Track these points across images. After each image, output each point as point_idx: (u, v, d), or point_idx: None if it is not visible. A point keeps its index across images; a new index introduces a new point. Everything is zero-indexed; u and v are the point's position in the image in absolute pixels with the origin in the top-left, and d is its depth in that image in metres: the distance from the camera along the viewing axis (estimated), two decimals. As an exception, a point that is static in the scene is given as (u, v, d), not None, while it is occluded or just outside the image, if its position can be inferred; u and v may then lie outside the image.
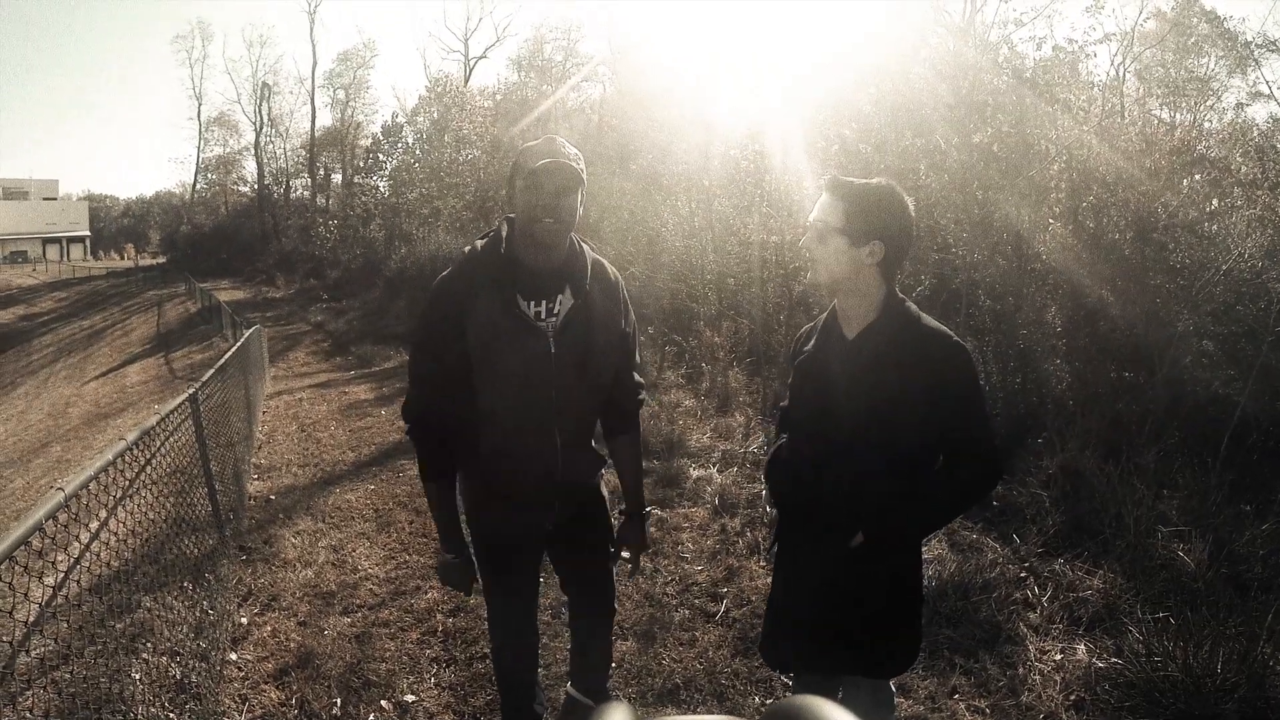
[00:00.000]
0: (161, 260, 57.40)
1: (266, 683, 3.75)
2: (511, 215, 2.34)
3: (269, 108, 50.89)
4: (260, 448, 8.56)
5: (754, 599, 4.32)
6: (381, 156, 31.41)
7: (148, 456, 4.14)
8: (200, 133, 53.51)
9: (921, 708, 3.30)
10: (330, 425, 9.70)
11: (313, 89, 49.50)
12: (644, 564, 4.84)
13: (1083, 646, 3.70)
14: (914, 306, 2.13)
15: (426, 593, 4.59)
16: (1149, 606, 3.93)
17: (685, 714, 1.00)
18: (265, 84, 50.90)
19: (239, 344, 8.83)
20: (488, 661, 3.74)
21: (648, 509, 2.81)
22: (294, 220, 44.64)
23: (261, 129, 50.85)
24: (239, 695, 3.66)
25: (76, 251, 66.67)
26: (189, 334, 25.82)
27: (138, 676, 3.61)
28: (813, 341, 2.30)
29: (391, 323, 20.35)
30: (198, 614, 4.24)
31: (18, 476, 13.45)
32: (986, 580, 4.30)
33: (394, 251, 21.77)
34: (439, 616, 4.29)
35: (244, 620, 4.38)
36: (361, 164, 35.22)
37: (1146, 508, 4.96)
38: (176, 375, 18.44)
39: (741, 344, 10.73)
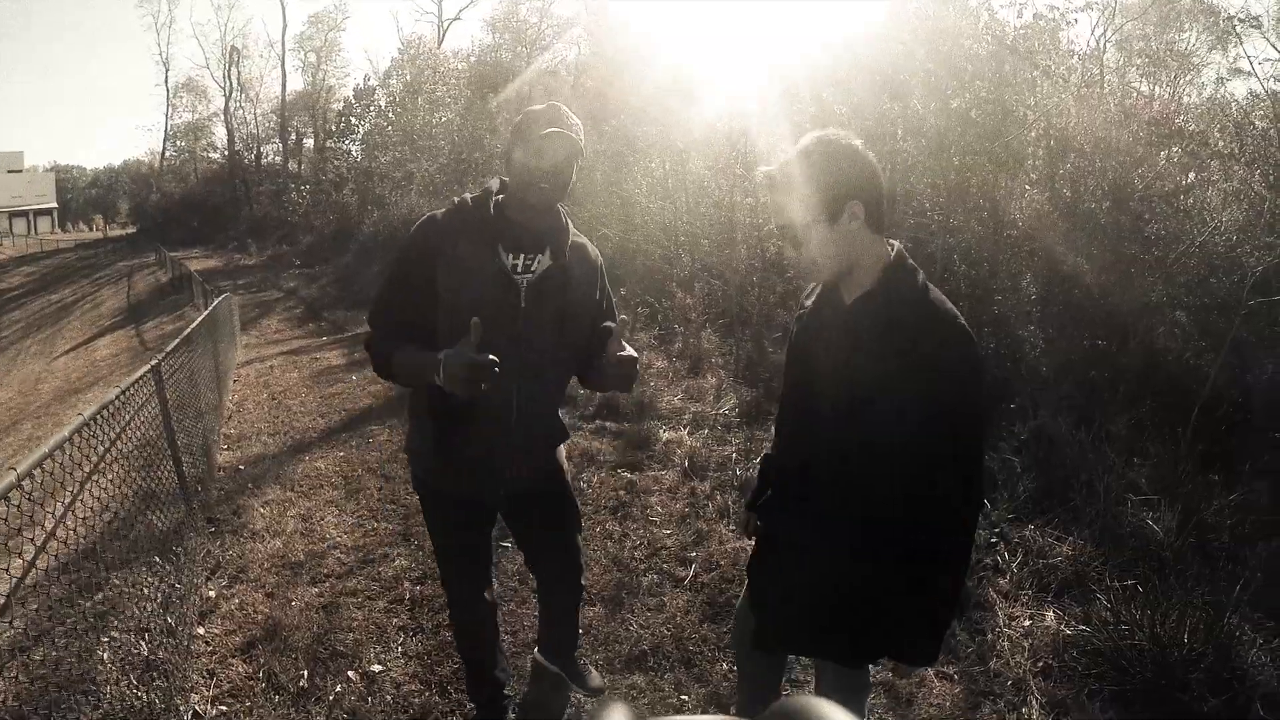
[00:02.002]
0: (131, 230, 56.68)
1: (234, 656, 3.71)
2: (504, 177, 2.34)
3: (238, 72, 50.22)
4: (230, 417, 8.46)
5: (723, 563, 4.31)
6: (354, 120, 30.82)
7: (116, 431, 4.07)
8: (168, 99, 52.74)
9: (889, 674, 3.29)
10: (301, 392, 9.61)
11: (283, 52, 49.92)
12: (612, 528, 4.84)
13: (1051, 614, 3.71)
14: (922, 276, 1.85)
15: (394, 560, 4.56)
16: (1118, 574, 3.94)
17: (685, 714, 0.97)
18: (234, 48, 50.13)
19: (204, 314, 8.68)
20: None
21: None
22: (266, 186, 44.23)
23: (231, 94, 50.17)
24: (206, 670, 3.63)
25: (44, 224, 65.12)
26: (160, 304, 25.45)
27: (106, 656, 3.58)
28: (809, 304, 2.10)
29: (365, 287, 20.07)
30: (165, 589, 4.19)
31: None
32: None
33: (367, 216, 21.54)
34: (406, 584, 4.26)
35: (211, 594, 4.34)
36: (333, 128, 34.71)
37: (1117, 475, 4.99)
38: (148, 347, 18.17)
39: (715, 305, 10.70)
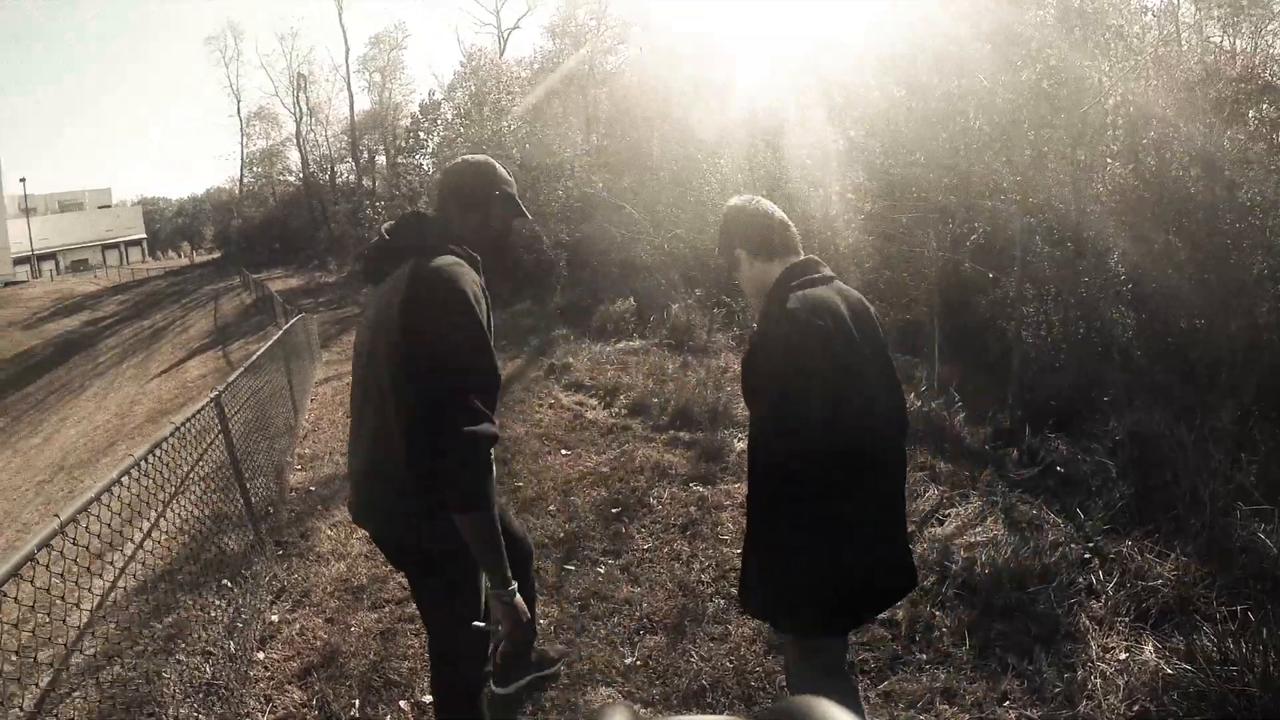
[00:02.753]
0: (216, 255, 58.61)
1: (291, 682, 3.64)
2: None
3: (306, 98, 51.28)
4: (305, 436, 8.52)
5: (795, 590, 4.09)
6: (422, 134, 31.23)
7: (189, 463, 4.21)
8: (242, 128, 54.04)
9: (968, 716, 3.04)
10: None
11: (348, 75, 49.92)
12: (680, 548, 4.66)
13: (1150, 646, 3.33)
14: (797, 291, 2.22)
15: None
16: (1226, 598, 3.54)
17: (686, 714, 0.81)
18: (300, 74, 51.20)
19: (272, 340, 8.74)
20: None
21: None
22: (341, 205, 45.04)
23: (301, 119, 51.23)
24: (264, 695, 3.57)
25: (135, 254, 67.63)
26: (244, 325, 26.16)
27: (171, 678, 3.59)
28: None
29: None
30: (230, 613, 4.18)
31: (86, 476, 13.78)
32: (1046, 566, 3.97)
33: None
34: (467, 612, 4.15)
35: (274, 618, 4.29)
36: (403, 144, 35.17)
37: (1224, 479, 4.57)
38: (234, 367, 18.58)
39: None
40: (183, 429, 4.08)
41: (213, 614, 4.17)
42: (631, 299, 12.61)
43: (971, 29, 9.55)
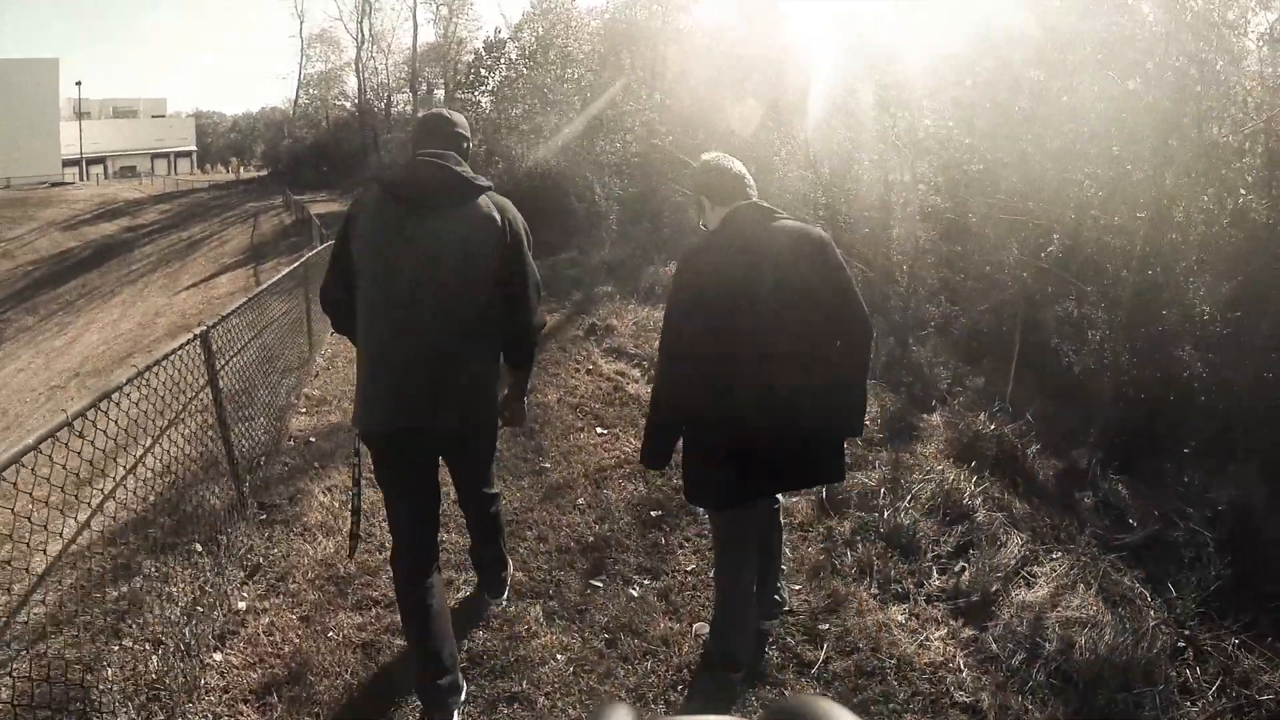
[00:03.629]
0: (263, 173, 58.60)
1: (246, 701, 2.98)
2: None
3: (370, 24, 50.73)
4: (317, 374, 7.88)
5: (862, 645, 3.34)
6: (484, 72, 30.38)
7: (183, 398, 3.90)
8: (302, 49, 53.88)
9: None
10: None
11: (414, 4, 49.37)
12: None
13: None
14: (716, 231, 2.84)
15: (461, 590, 3.73)
16: None
17: (687, 714, 1.09)
18: (367, 1, 50.51)
19: (292, 265, 8.04)
20: (515, 705, 2.99)
21: None
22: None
23: (363, 45, 50.78)
24: (211, 713, 2.89)
25: (184, 166, 68.52)
26: (280, 246, 25.77)
27: (110, 673, 2.99)
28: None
29: None
30: (195, 590, 3.52)
31: (96, 390, 13.33)
32: (1149, 660, 3.26)
33: (492, 167, 21.15)
34: (470, 630, 3.43)
35: (241, 605, 3.62)
36: (464, 79, 34.53)
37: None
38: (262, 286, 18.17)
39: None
40: (167, 360, 3.62)
41: (174, 589, 3.53)
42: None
43: (1074, 26, 8.62)
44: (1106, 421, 7.44)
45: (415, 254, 2.57)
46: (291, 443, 5.76)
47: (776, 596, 3.36)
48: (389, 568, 3.65)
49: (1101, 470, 6.57)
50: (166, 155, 68.11)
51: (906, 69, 10.29)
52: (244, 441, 5.12)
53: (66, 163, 58.88)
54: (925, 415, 6.70)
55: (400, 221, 2.59)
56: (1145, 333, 7.56)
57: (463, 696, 2.90)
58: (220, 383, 4.38)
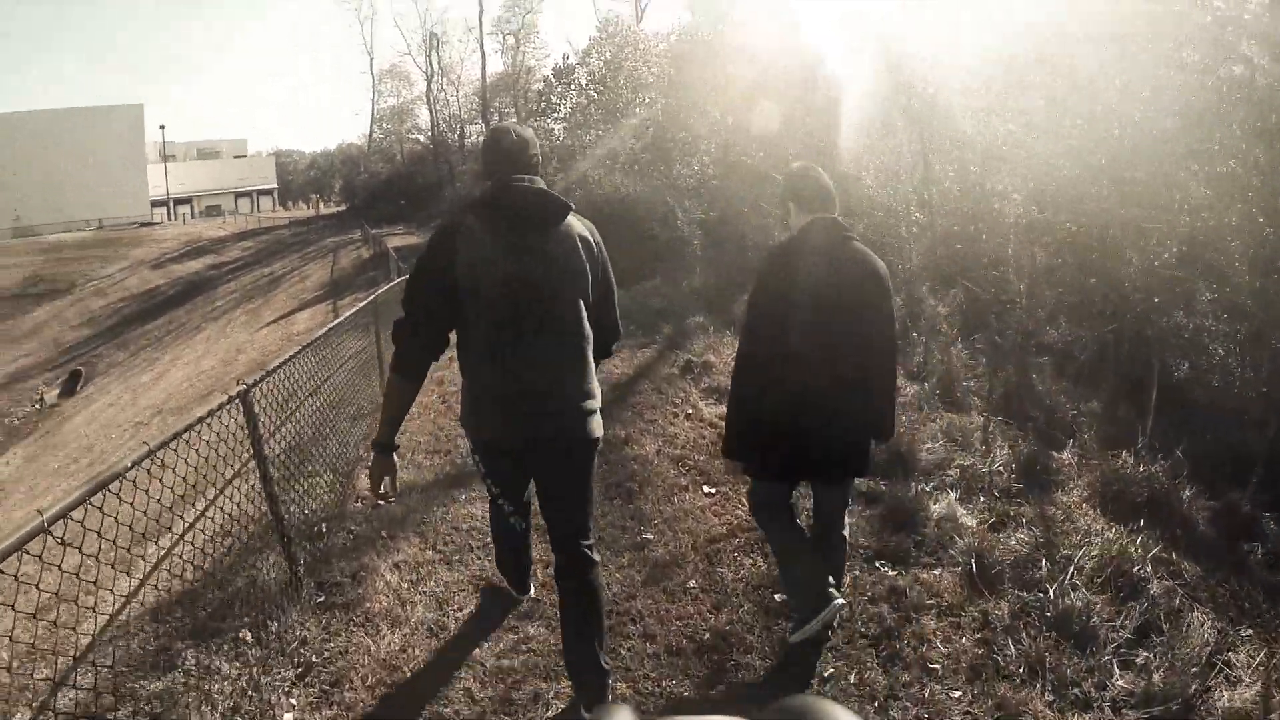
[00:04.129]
0: (341, 209, 59.46)
1: None
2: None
3: (438, 57, 51.30)
4: None
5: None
6: (555, 99, 30.34)
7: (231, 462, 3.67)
8: (374, 85, 54.82)
9: None
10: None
11: (481, 36, 49.82)
12: (873, 678, 3.22)
13: None
14: (795, 237, 3.27)
15: (549, 703, 3.10)
16: None
17: (687, 715, 0.79)
18: (433, 34, 51.23)
19: (360, 305, 7.58)
20: None
21: None
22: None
23: (432, 78, 51.31)
24: None
25: (266, 203, 71.09)
26: (358, 280, 25.72)
27: None
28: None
29: None
30: (236, 695, 2.98)
31: (180, 424, 13.29)
32: None
33: (570, 195, 20.84)
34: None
35: (288, 718, 3.03)
36: (534, 107, 34.55)
37: None
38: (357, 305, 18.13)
39: (970, 315, 8.69)
40: (205, 423, 3.24)
41: (213, 688, 3.00)
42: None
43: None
44: (1269, 453, 6.51)
45: (525, 273, 2.69)
46: (360, 504, 5.21)
47: (830, 589, 3.36)
48: (462, 680, 3.25)
49: (1263, 513, 5.64)
50: (249, 194, 70.75)
51: (985, 72, 9.63)
52: (307, 502, 4.64)
53: (154, 203, 62.41)
54: (1055, 453, 5.86)
55: (510, 246, 2.69)
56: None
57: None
58: (270, 445, 3.97)
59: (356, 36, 74.34)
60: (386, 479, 2.91)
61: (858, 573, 4.02)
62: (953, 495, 4.89)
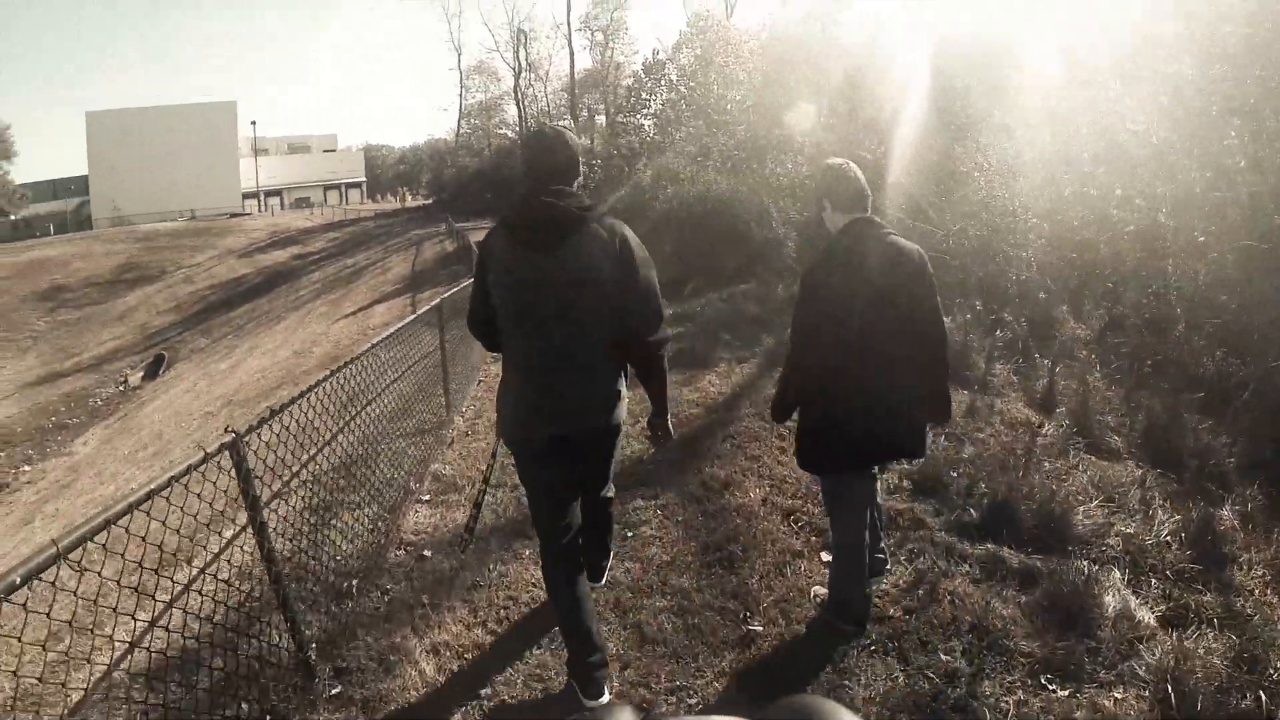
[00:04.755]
0: (427, 202, 60.11)
1: None
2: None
3: (526, 53, 51.24)
4: (452, 443, 6.59)
5: None
6: (645, 95, 29.69)
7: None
8: (461, 81, 55.53)
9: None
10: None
11: (569, 32, 49.73)
12: None
13: None
14: (838, 240, 3.35)
15: None
16: None
17: (687, 715, 0.96)
18: (521, 30, 51.16)
19: (418, 312, 6.81)
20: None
21: None
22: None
23: (520, 74, 51.34)
24: None
25: (354, 196, 73.55)
26: (440, 274, 25.35)
27: None
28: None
29: (656, 267, 17.25)
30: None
31: (240, 419, 13.02)
32: None
33: (660, 191, 20.23)
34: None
35: None
36: (624, 103, 34.03)
37: None
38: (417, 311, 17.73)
39: (1114, 339, 7.52)
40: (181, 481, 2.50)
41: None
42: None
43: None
44: None
45: (543, 286, 2.86)
46: (402, 552, 4.45)
47: (879, 555, 3.87)
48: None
49: None
50: (338, 186, 73.25)
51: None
52: (341, 546, 3.92)
53: (245, 195, 65.67)
54: (1213, 509, 4.75)
55: (525, 257, 2.88)
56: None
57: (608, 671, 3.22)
58: (316, 463, 3.92)
59: (444, 33, 74.85)
60: None
61: (1020, 694, 3.08)
62: (1118, 575, 3.90)
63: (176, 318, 32.61)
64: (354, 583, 3.85)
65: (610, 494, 3.57)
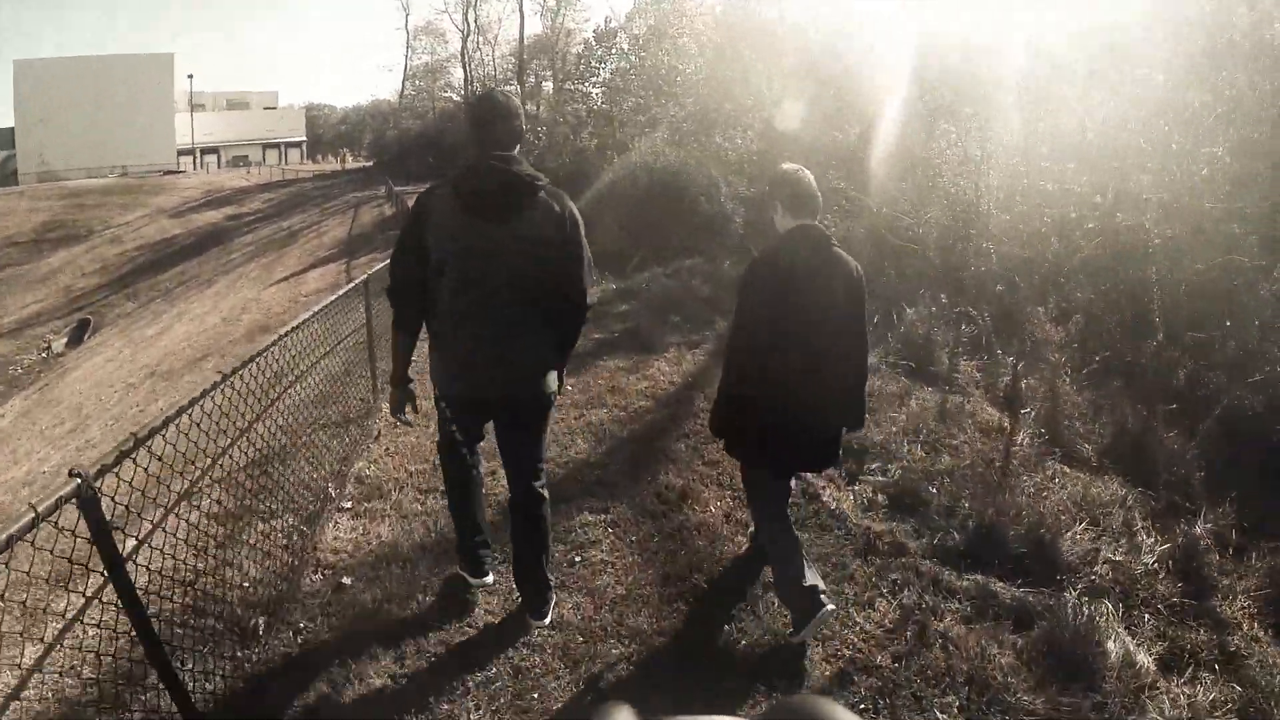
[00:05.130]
0: (368, 164, 58.72)
1: None
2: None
3: (476, 15, 49.97)
4: (379, 436, 5.95)
5: None
6: (594, 63, 29.07)
7: None
8: (408, 42, 54.23)
9: None
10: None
11: (520, -4, 47.98)
12: None
13: None
14: (781, 243, 3.41)
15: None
16: None
17: (688, 714, 0.86)
18: (472, -10, 49.76)
19: (337, 295, 6.03)
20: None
21: None
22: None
23: (469, 36, 50.07)
24: None
25: (294, 156, 72.05)
26: (376, 239, 24.52)
27: None
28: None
29: (601, 238, 15.59)
30: None
31: (169, 390, 12.70)
32: None
33: (606, 161, 19.76)
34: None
35: None
36: (573, 69, 33.36)
37: None
38: (352, 281, 16.97)
39: (1088, 343, 7.19)
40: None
41: None
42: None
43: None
44: None
45: (493, 256, 2.97)
46: (319, 577, 3.91)
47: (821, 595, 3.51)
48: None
49: None
50: (277, 145, 71.84)
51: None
52: (248, 568, 3.42)
53: (181, 152, 64.16)
54: (1191, 528, 4.47)
55: (473, 220, 2.95)
56: None
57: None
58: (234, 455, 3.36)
59: (392, -9, 73.66)
60: (409, 406, 3.35)
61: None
62: (1112, 611, 3.56)
63: (103, 280, 31.21)
64: (261, 620, 3.32)
65: (543, 490, 3.43)
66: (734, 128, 16.95)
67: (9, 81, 61.69)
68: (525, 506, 3.35)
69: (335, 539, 4.26)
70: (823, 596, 3.23)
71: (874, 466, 5.08)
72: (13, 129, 61.97)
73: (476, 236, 2.93)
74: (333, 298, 5.71)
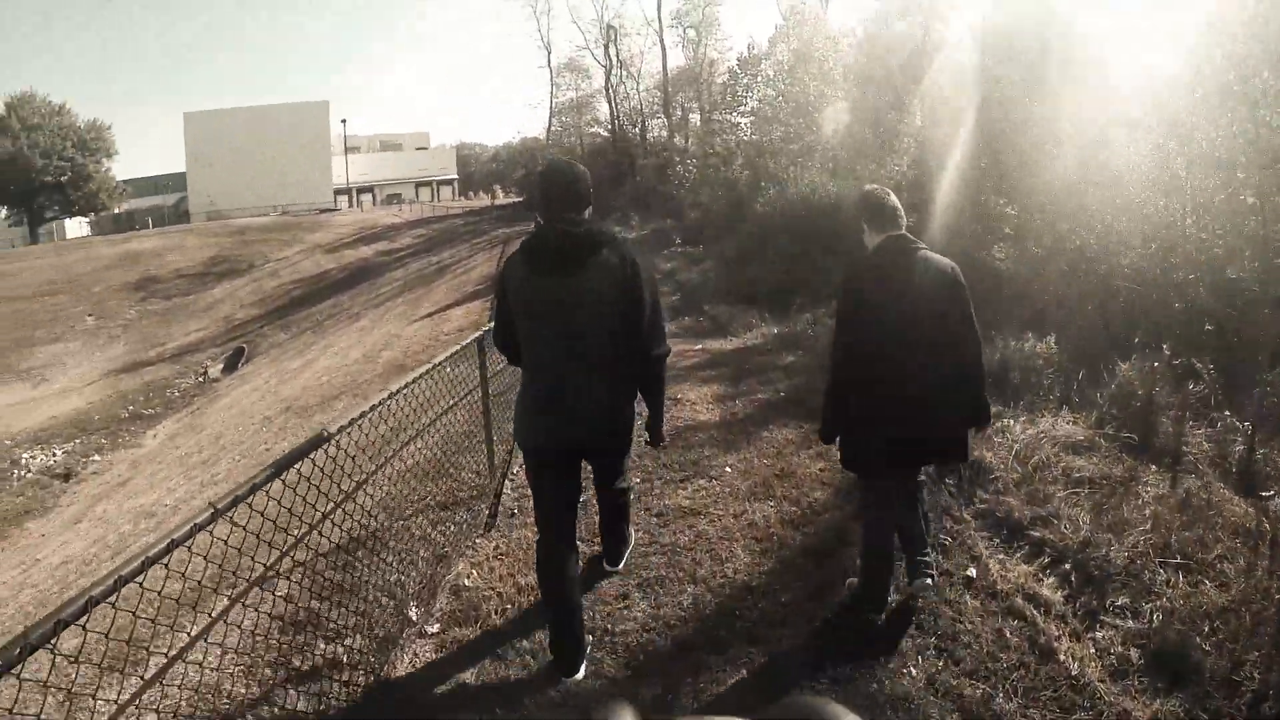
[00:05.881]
0: (518, 199, 59.97)
1: None
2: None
3: (617, 50, 50.01)
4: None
5: None
6: (740, 91, 28.23)
7: None
8: (551, 79, 54.59)
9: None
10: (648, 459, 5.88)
11: (660, 29, 48.18)
12: None
13: None
14: (871, 255, 3.62)
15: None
16: None
17: (688, 715, 0.97)
18: (611, 27, 49.92)
19: (442, 357, 5.09)
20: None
21: None
22: (650, 160, 42.96)
23: (611, 71, 50.12)
24: None
25: (446, 193, 75.08)
26: (523, 275, 24.40)
27: None
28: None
29: (756, 276, 15.30)
30: None
31: (303, 425, 12.49)
32: None
33: (760, 194, 18.89)
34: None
35: None
36: (719, 100, 32.69)
37: None
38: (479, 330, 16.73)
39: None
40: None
41: None
42: (1050, 339, 7.34)
43: None
44: None
45: (558, 307, 3.15)
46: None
47: (922, 559, 3.80)
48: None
49: None
50: (429, 183, 75.25)
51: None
52: (298, 702, 2.70)
53: (338, 191, 68.84)
54: None
55: (538, 278, 3.18)
56: None
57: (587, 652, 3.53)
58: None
59: (533, 31, 75.86)
60: None
61: None
62: None
63: (260, 311, 32.70)
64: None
65: (624, 485, 4.00)
66: (887, 154, 16.14)
67: (180, 131, 67.84)
68: (609, 498, 3.96)
69: (410, 672, 3.39)
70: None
71: (1120, 604, 3.75)
72: (184, 173, 67.91)
73: (541, 293, 3.15)
74: (444, 355, 4.93)
